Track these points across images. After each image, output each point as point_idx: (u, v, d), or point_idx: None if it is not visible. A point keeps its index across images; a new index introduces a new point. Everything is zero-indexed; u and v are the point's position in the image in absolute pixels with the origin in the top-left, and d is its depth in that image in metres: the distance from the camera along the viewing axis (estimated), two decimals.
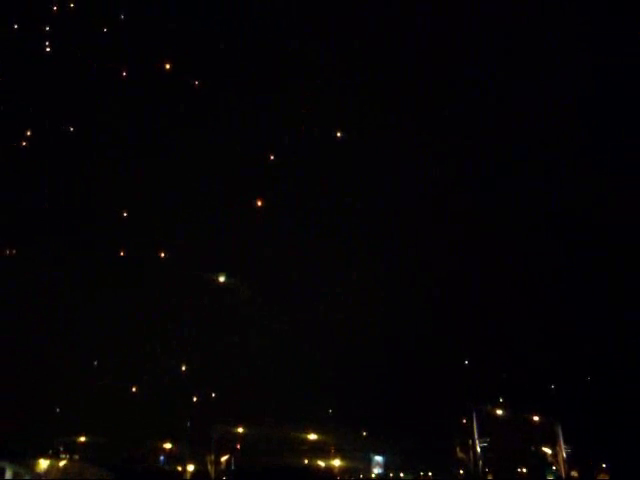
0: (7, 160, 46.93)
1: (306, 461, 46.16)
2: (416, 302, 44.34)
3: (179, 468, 45.21)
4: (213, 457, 45.16)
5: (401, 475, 48.15)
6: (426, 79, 47.15)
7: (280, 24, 48.14)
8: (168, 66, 49.01)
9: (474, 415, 47.78)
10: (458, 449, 47.99)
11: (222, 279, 46.56)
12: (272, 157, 47.46)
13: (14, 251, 47.46)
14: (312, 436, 46.74)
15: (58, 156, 47.73)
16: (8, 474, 42.23)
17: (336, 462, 46.61)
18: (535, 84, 45.45)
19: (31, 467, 43.57)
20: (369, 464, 47.84)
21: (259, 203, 47.19)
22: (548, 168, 45.31)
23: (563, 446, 46.45)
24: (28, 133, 47.67)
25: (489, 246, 46.00)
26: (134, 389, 44.71)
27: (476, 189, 46.72)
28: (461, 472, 48.16)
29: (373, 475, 47.94)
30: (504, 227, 45.81)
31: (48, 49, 48.14)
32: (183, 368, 45.02)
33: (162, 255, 47.22)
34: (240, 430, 46.08)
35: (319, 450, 46.71)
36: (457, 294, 44.34)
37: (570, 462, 46.42)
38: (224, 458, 45.46)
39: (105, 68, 48.34)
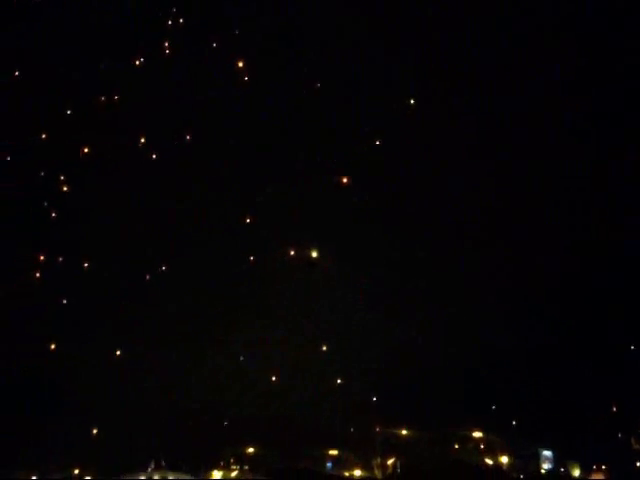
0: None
1: (473, 459, 45.24)
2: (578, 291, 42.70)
3: (346, 474, 45.48)
4: (379, 461, 45.09)
5: (573, 470, 46.27)
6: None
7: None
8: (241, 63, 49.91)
9: None
10: (633, 440, 45.50)
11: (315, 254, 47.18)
12: (377, 142, 47.92)
13: (163, 268, 49.60)
14: (477, 434, 45.70)
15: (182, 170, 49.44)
16: None
17: (504, 459, 45.30)
18: None
19: (206, 478, 45.24)
20: (538, 460, 46.21)
21: (344, 180, 47.53)
22: None
23: None
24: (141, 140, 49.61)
25: None
26: (294, 395, 45.42)
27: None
28: (638, 464, 45.63)
29: (543, 471, 46.29)
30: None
31: None
32: (339, 380, 45.53)
33: (292, 253, 48.26)
34: (404, 432, 45.77)
35: (486, 448, 45.66)
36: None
37: None
38: (390, 461, 45.24)
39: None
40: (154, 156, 50.13)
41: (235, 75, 50.48)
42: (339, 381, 45.24)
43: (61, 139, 49.78)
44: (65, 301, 47.32)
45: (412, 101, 47.78)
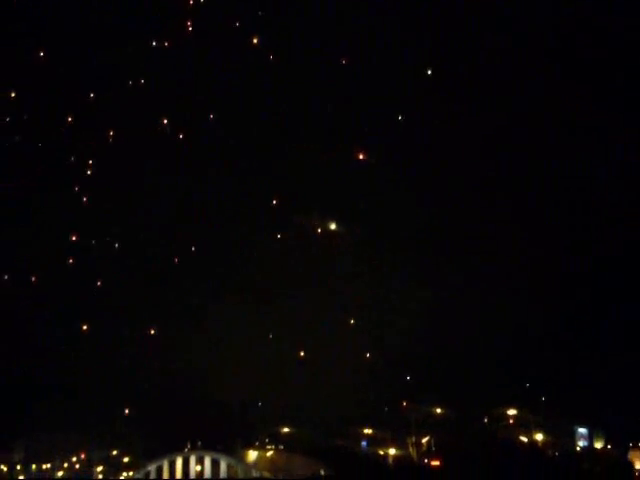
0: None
1: (508, 436, 45.07)
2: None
3: (381, 452, 45.72)
4: (414, 439, 45.19)
5: (608, 447, 45.89)
6: None
7: None
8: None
9: None
10: None
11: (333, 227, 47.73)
12: (400, 117, 48.20)
13: (193, 248, 50.12)
14: (512, 411, 45.53)
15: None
16: (222, 465, 44.92)
17: (539, 436, 45.12)
18: None
19: (242, 458, 46.04)
20: (573, 437, 45.90)
21: (361, 156, 47.89)
22: None
23: None
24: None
25: None
26: (323, 373, 45.59)
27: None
28: None
29: (578, 448, 45.99)
30: None
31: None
32: (368, 355, 45.68)
33: (318, 231, 48.68)
34: (438, 410, 45.73)
35: (520, 425, 45.47)
36: None
37: None
38: (424, 439, 45.29)
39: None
40: (180, 136, 50.45)
41: (257, 55, 50.35)
42: (368, 355, 45.48)
43: (88, 124, 50.05)
44: (99, 283, 48.08)
45: (429, 71, 48.02)
